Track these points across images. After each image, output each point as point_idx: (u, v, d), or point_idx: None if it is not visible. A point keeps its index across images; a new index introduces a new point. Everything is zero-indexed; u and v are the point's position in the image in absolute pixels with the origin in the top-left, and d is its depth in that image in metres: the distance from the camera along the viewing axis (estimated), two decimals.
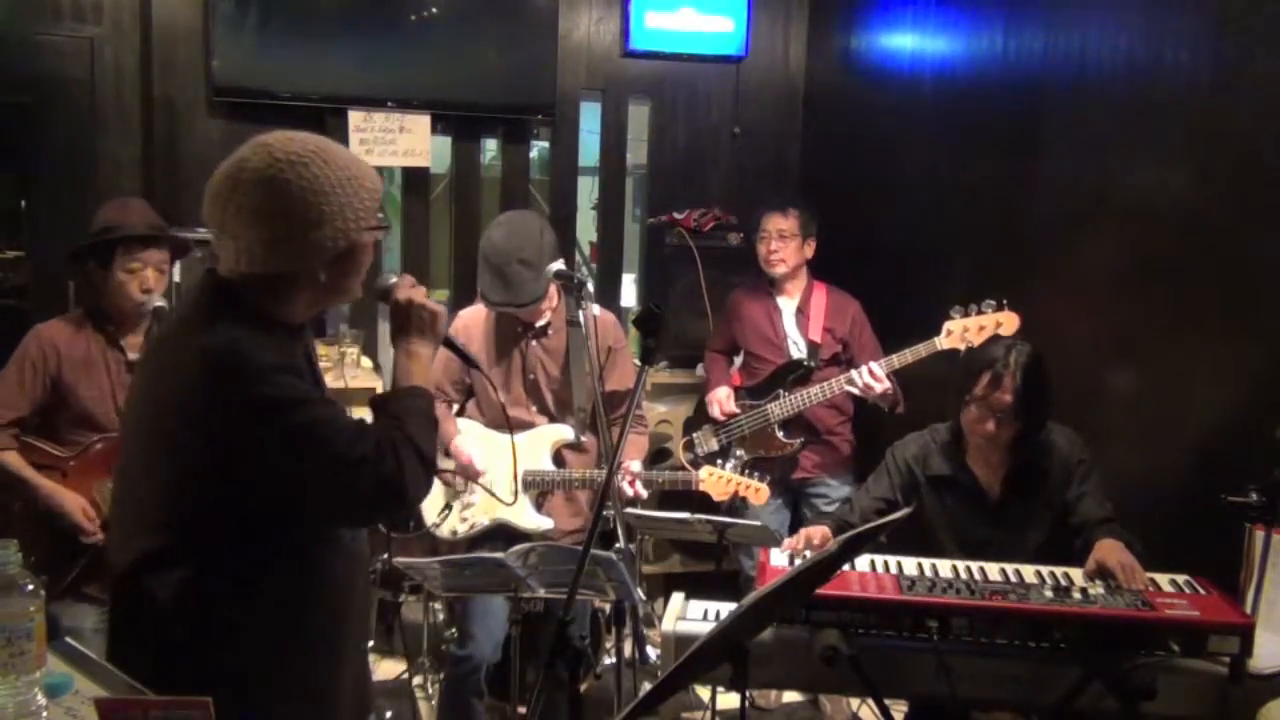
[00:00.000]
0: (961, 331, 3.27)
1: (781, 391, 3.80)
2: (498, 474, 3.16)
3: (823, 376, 3.79)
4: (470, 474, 3.15)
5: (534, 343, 3.19)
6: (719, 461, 3.67)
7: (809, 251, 3.93)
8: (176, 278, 3.85)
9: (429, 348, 1.86)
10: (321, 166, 1.70)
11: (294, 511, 1.69)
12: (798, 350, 3.90)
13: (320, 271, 1.73)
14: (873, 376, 3.53)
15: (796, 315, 3.93)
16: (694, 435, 4.01)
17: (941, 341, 3.34)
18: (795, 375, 3.82)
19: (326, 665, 1.85)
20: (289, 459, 1.64)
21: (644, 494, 3.25)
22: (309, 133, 1.79)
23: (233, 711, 1.46)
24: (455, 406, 3.32)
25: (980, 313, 3.26)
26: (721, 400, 3.90)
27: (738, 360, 4.12)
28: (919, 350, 3.43)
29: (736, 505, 3.55)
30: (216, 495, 1.67)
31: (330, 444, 1.65)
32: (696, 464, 3.86)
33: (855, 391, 3.62)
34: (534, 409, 3.22)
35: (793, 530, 3.93)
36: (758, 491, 3.29)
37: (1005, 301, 3.23)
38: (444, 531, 3.20)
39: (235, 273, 1.73)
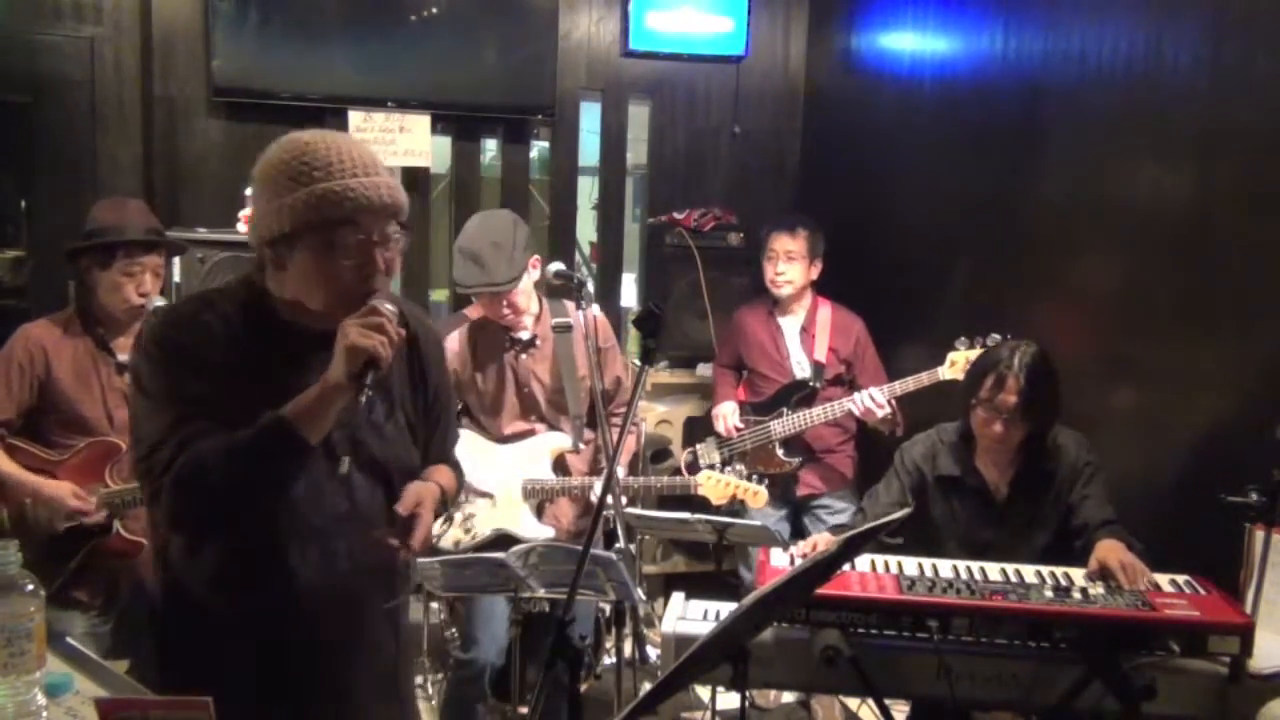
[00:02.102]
0: (965, 363, 3.28)
1: (785, 410, 3.82)
2: (502, 487, 3.17)
3: (826, 396, 3.80)
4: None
5: (522, 356, 3.18)
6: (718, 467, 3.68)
7: (815, 273, 3.89)
8: (176, 278, 3.86)
9: (334, 382, 1.65)
10: (285, 151, 1.69)
11: None
12: (801, 369, 3.89)
13: (266, 254, 1.72)
14: (874, 403, 3.57)
15: (801, 334, 3.92)
16: (697, 446, 4.03)
17: (944, 372, 3.39)
18: (799, 395, 3.83)
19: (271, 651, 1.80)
20: (132, 431, 1.76)
21: (623, 499, 3.24)
22: (339, 133, 1.78)
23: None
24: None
25: (984, 346, 3.27)
26: (726, 415, 3.92)
27: (745, 374, 4.11)
28: (921, 379, 3.47)
29: (736, 510, 3.56)
30: None
31: (141, 440, 1.70)
32: (696, 473, 3.88)
33: (856, 414, 3.65)
34: (532, 418, 3.22)
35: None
36: (755, 495, 3.30)
37: (1009, 336, 3.22)
38: (446, 542, 3.19)
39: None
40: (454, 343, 3.22)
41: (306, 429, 1.66)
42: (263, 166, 1.71)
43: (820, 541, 2.73)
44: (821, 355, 3.87)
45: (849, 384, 3.88)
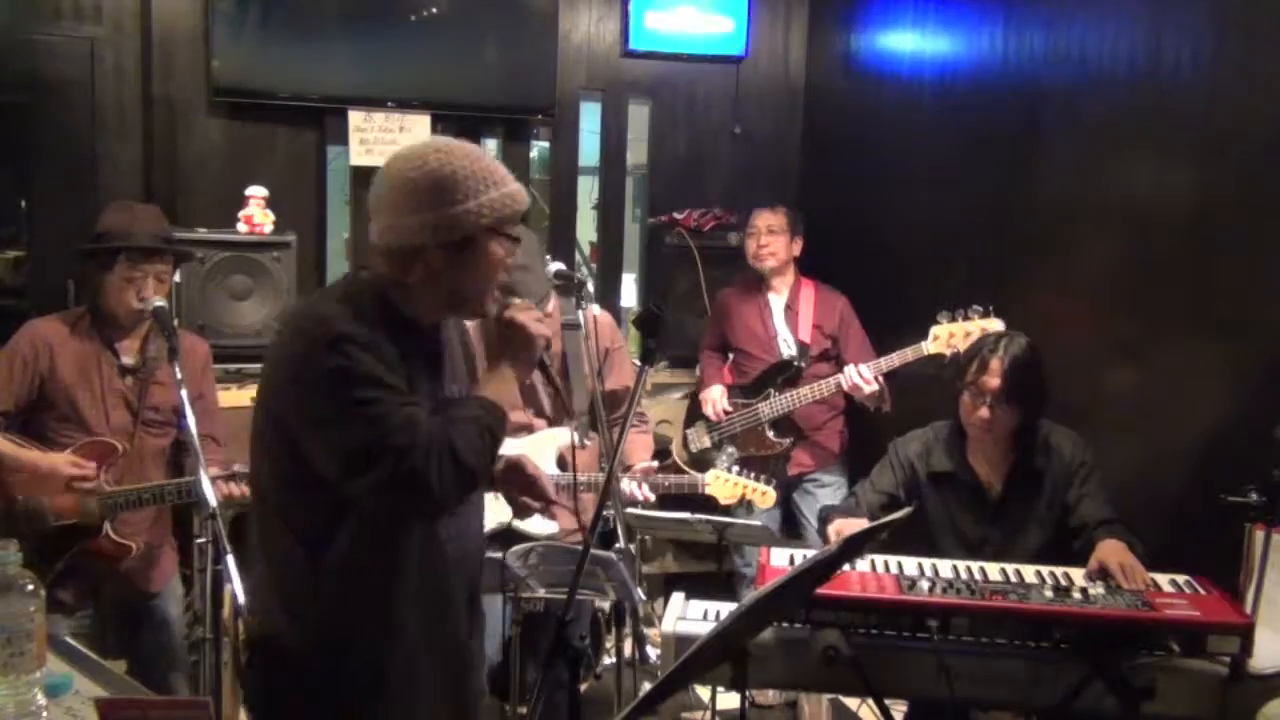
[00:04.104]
0: (948, 337, 3.31)
1: (772, 391, 3.85)
2: None
3: (813, 374, 3.84)
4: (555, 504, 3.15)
5: None
6: (722, 463, 3.69)
7: (796, 249, 3.99)
8: (176, 277, 3.85)
9: (517, 370, 1.89)
10: (459, 159, 1.79)
11: (333, 482, 1.73)
12: (788, 348, 3.93)
13: (436, 255, 1.77)
14: (861, 378, 3.58)
15: (785, 312, 3.98)
16: (687, 432, 4.07)
17: (928, 346, 3.40)
18: (785, 375, 3.86)
19: (402, 653, 1.87)
20: (335, 428, 1.70)
21: (652, 497, 3.25)
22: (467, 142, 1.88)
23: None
24: None
25: (967, 318, 3.30)
26: (714, 399, 3.95)
27: (731, 357, 4.14)
28: (906, 354, 3.49)
29: (738, 509, 3.56)
30: (297, 460, 1.75)
31: (373, 425, 1.68)
32: (691, 461, 3.89)
33: (845, 388, 3.66)
34: (531, 412, 3.22)
35: (784, 527, 3.98)
36: (764, 495, 3.30)
37: (991, 308, 3.25)
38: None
39: (373, 253, 1.83)
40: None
41: (508, 409, 1.84)
42: (416, 179, 1.77)
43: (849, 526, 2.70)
44: (806, 334, 3.93)
45: (835, 360, 3.91)
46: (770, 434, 3.86)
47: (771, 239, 3.93)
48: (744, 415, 3.89)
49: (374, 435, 1.67)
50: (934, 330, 3.37)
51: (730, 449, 3.82)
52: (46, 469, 2.76)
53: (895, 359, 3.53)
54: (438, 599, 1.91)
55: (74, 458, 2.77)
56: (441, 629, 1.93)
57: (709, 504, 3.39)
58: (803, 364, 3.87)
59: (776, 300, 4.01)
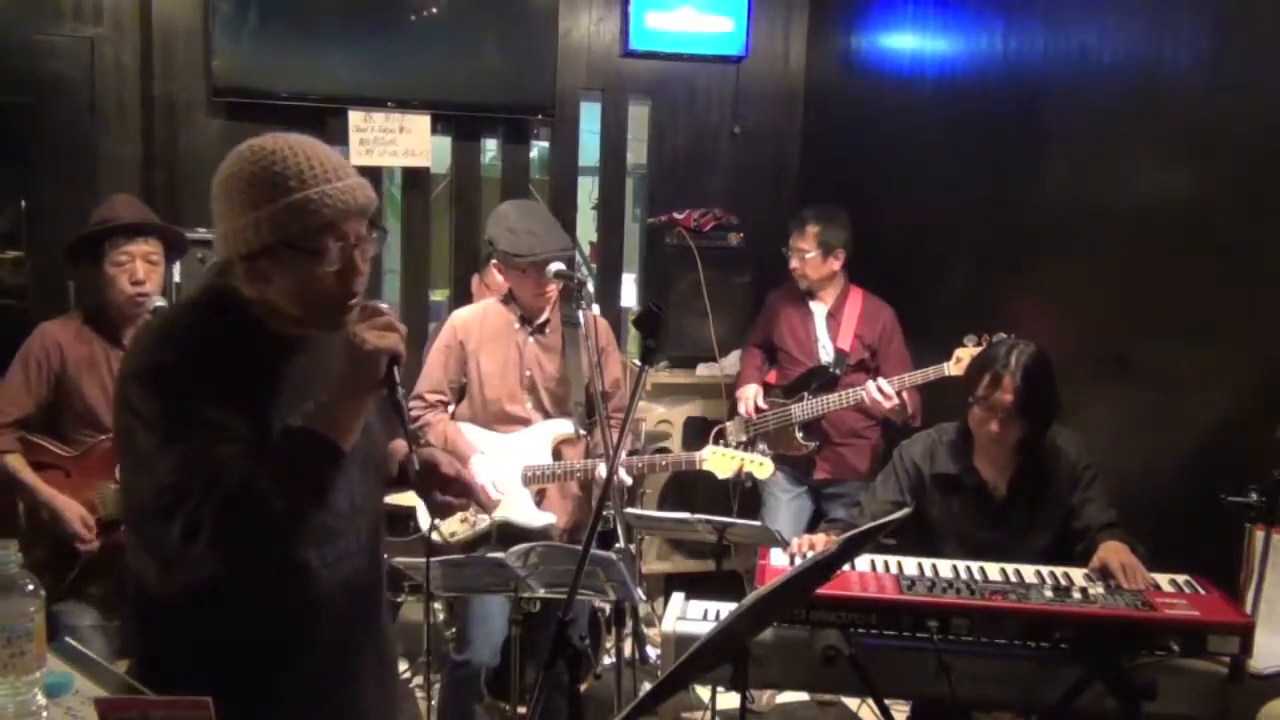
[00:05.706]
0: (970, 361, 3.29)
1: (806, 394, 3.87)
2: (502, 475, 3.17)
3: (849, 382, 3.84)
4: (482, 504, 3.14)
5: (531, 339, 3.21)
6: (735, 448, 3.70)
7: (836, 264, 3.94)
8: (177, 278, 3.86)
9: (351, 390, 1.63)
10: (260, 162, 1.65)
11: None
12: (826, 354, 3.95)
13: (239, 265, 1.64)
14: (881, 394, 3.59)
15: (828, 320, 3.98)
16: (726, 425, 4.11)
17: (950, 368, 3.42)
18: (820, 381, 3.88)
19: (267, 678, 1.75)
20: (125, 467, 1.65)
21: (628, 480, 3.25)
22: (299, 135, 1.71)
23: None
24: (451, 408, 3.33)
25: (991, 343, 3.28)
26: (748, 398, 3.99)
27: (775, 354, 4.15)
28: (928, 373, 3.51)
29: (744, 482, 3.57)
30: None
31: (176, 470, 1.55)
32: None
33: (865, 403, 3.66)
34: (529, 405, 3.23)
35: (812, 529, 3.98)
36: (761, 465, 3.31)
37: (1013, 335, 3.23)
38: (443, 533, 3.20)
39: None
40: (468, 313, 3.27)
41: (342, 438, 1.63)
42: (227, 179, 1.67)
43: (816, 541, 2.72)
44: (845, 342, 3.93)
45: (874, 371, 3.91)
46: (799, 436, 3.89)
47: (802, 263, 3.92)
48: (778, 414, 3.92)
49: (167, 484, 1.55)
50: (958, 353, 3.38)
51: (763, 446, 3.85)
52: (56, 510, 2.84)
53: (918, 376, 3.56)
54: (297, 631, 1.76)
55: (86, 516, 2.85)
56: (306, 670, 1.78)
57: (722, 499, 3.38)
58: (839, 371, 3.88)
59: (820, 308, 4.00)
